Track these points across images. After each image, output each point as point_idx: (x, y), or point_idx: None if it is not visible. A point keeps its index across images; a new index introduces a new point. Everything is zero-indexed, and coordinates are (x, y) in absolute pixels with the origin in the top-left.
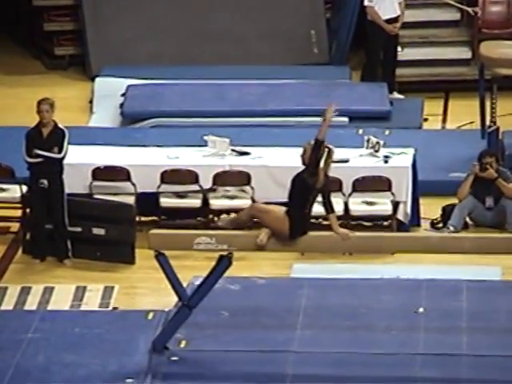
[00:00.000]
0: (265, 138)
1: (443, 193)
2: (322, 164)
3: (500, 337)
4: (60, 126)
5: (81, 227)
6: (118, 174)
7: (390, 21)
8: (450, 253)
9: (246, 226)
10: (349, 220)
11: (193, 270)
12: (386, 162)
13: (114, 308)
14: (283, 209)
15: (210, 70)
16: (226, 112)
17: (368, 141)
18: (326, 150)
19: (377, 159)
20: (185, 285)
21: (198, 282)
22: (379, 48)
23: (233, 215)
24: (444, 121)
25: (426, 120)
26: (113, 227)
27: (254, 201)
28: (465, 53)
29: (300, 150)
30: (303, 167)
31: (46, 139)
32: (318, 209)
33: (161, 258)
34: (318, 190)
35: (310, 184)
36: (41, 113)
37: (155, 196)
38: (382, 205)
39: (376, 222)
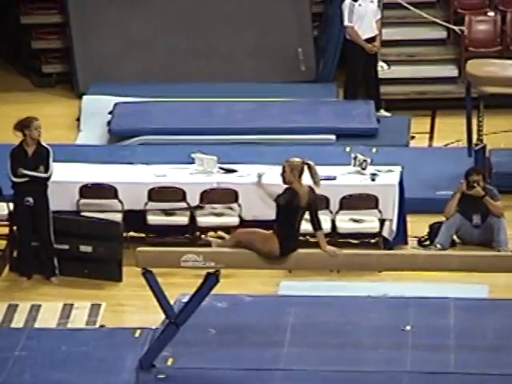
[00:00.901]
0: (252, 155)
1: (430, 210)
2: (302, 182)
3: (487, 355)
4: (43, 144)
5: (68, 245)
6: (105, 191)
7: (368, 40)
8: (437, 270)
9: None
10: (336, 237)
11: (180, 287)
12: (373, 179)
13: (101, 326)
14: (267, 231)
15: (197, 87)
16: (214, 129)
17: (355, 158)
18: (306, 166)
19: (364, 177)
20: (172, 302)
21: (185, 300)
22: (359, 67)
23: (219, 241)
24: (431, 139)
25: (412, 138)
26: (100, 245)
27: (241, 218)
28: (452, 71)
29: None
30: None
31: (32, 158)
32: (305, 226)
33: (148, 276)
34: (304, 207)
35: (293, 203)
36: (35, 130)
37: (142, 213)
38: (369, 222)
39: (363, 239)
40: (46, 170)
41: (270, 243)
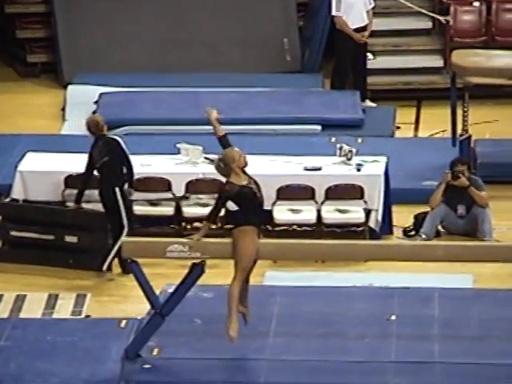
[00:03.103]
0: (237, 145)
1: (415, 201)
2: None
3: (472, 344)
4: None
5: (53, 235)
6: (90, 181)
7: (358, 30)
8: (422, 261)
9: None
10: (321, 227)
11: (166, 277)
12: (358, 170)
13: (87, 316)
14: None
15: (182, 77)
16: (199, 120)
17: (341, 149)
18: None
19: (349, 167)
20: (158, 292)
21: (170, 290)
22: (348, 57)
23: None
24: (416, 129)
25: (398, 128)
26: (85, 235)
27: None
28: (437, 61)
29: (272, 158)
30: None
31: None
32: (288, 216)
33: (133, 266)
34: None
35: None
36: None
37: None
38: (354, 213)
39: (348, 229)
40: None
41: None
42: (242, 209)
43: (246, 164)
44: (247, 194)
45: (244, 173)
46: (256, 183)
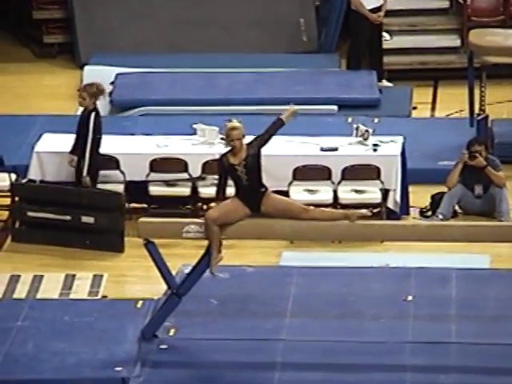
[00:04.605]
0: (254, 126)
1: (432, 181)
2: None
3: (488, 325)
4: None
5: (70, 215)
6: (107, 162)
7: (373, 10)
8: (439, 241)
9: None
10: (338, 208)
11: (182, 258)
12: (375, 150)
13: (104, 296)
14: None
15: (199, 58)
16: (215, 100)
17: (357, 129)
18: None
19: (366, 147)
20: (174, 273)
21: (187, 271)
22: (364, 37)
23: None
24: (433, 109)
25: (414, 108)
26: (102, 216)
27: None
28: (454, 41)
29: (288, 138)
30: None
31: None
32: (305, 197)
33: (150, 247)
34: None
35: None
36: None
37: (144, 184)
38: (371, 193)
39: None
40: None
41: (237, 208)
42: (233, 182)
43: (232, 138)
44: (232, 173)
45: (248, 151)
46: (248, 166)
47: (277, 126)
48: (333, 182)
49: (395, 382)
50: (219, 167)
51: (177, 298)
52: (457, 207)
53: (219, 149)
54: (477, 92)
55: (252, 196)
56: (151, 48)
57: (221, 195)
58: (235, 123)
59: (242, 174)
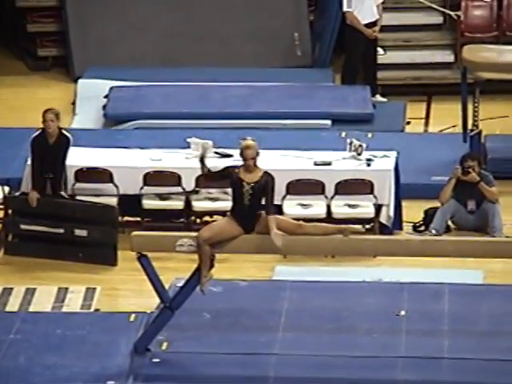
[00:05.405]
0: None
1: (425, 196)
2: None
3: (481, 340)
4: (65, 133)
5: (63, 228)
6: (100, 175)
7: (368, 25)
8: (432, 256)
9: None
10: (331, 223)
11: (175, 271)
12: (368, 164)
13: (96, 310)
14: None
15: (193, 71)
16: (210, 114)
17: (351, 144)
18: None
19: (359, 162)
20: (167, 287)
21: (180, 284)
22: (359, 52)
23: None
24: (426, 124)
25: (408, 123)
26: (95, 229)
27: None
28: (447, 56)
29: (282, 152)
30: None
31: (52, 147)
32: (298, 211)
33: (143, 260)
34: (251, 187)
35: (235, 182)
36: (46, 122)
37: (138, 198)
38: (364, 208)
39: (358, 224)
40: (63, 160)
41: (230, 229)
42: (232, 197)
43: (246, 158)
44: (237, 187)
45: (262, 177)
46: (255, 189)
47: None
48: (326, 197)
49: None
50: (227, 171)
51: (170, 312)
52: (450, 222)
53: (213, 162)
54: (470, 107)
55: (249, 217)
56: (146, 61)
57: (207, 175)
58: (249, 142)
59: (246, 192)
